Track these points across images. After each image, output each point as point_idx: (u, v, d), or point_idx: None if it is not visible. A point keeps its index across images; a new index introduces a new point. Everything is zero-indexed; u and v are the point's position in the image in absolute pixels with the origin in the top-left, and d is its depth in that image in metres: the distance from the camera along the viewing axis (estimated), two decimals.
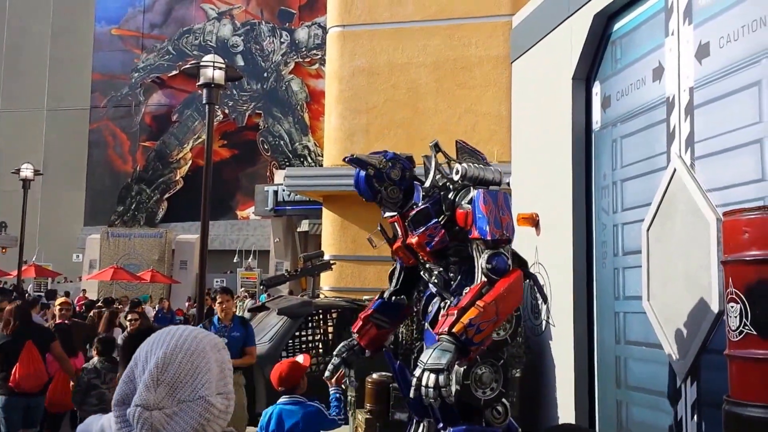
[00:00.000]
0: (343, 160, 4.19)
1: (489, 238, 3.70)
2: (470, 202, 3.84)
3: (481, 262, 3.73)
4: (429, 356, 3.46)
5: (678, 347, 4.01)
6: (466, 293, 3.72)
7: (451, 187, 3.99)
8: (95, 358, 6.38)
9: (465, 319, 3.49)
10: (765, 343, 2.78)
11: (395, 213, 4.12)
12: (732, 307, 2.95)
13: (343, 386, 4.55)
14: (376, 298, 4.52)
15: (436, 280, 4.08)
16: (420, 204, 4.01)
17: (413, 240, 3.94)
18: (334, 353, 4.53)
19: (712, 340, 3.72)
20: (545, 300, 4.46)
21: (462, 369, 3.80)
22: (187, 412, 1.35)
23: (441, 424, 4.02)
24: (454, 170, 3.96)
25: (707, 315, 3.76)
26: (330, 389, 4.55)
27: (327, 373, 4.53)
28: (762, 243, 2.89)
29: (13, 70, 39.60)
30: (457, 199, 3.92)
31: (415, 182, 4.12)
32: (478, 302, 3.56)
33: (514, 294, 3.71)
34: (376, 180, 4.04)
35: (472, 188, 3.87)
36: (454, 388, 3.51)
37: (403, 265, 4.40)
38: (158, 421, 1.33)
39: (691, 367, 3.90)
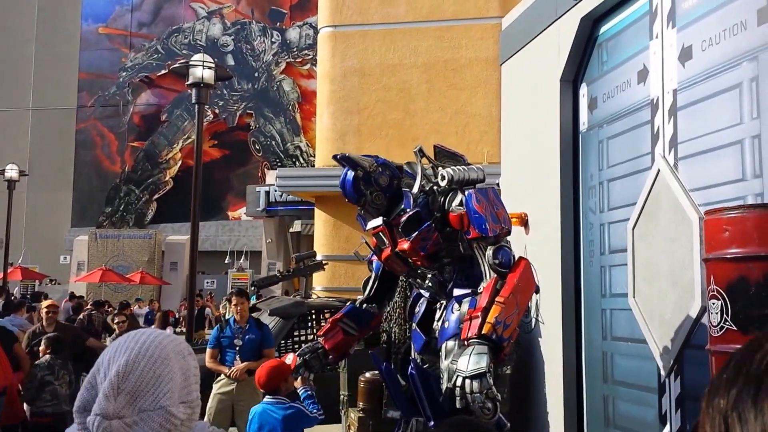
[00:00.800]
0: (333, 157, 4.18)
1: (491, 234, 3.78)
2: (460, 204, 3.91)
3: (487, 258, 3.80)
4: (467, 363, 3.49)
5: (662, 343, 4.10)
6: (481, 293, 3.77)
7: (437, 190, 4.05)
8: (47, 356, 6.49)
9: (491, 318, 3.55)
10: (745, 338, 2.82)
11: (380, 224, 4.10)
12: (713, 303, 3.02)
13: (311, 383, 4.57)
14: (348, 303, 4.55)
15: (430, 284, 4.12)
16: (410, 210, 4.02)
17: (405, 246, 3.95)
18: (297, 353, 4.53)
19: (695, 336, 3.80)
20: (537, 291, 4.54)
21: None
22: (147, 422, 1.32)
23: (431, 422, 4.10)
24: (440, 176, 4.02)
25: (690, 311, 3.84)
26: (299, 389, 4.61)
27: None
28: (742, 241, 2.95)
29: None
30: (446, 203, 3.99)
31: (405, 189, 4.14)
32: (497, 299, 3.62)
33: (528, 282, 3.80)
34: (363, 183, 4.03)
35: (459, 191, 3.94)
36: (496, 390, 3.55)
37: (378, 275, 4.44)
38: (117, 431, 1.31)
39: (675, 362, 3.99)
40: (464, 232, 3.88)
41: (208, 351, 6.78)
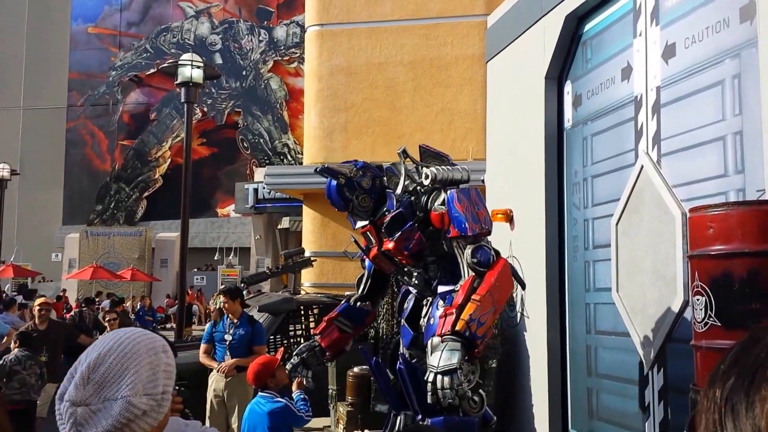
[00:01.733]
0: (315, 171, 4.24)
1: (470, 233, 3.83)
2: (443, 203, 3.96)
3: (465, 257, 3.84)
4: (439, 359, 3.55)
5: (645, 336, 4.15)
6: (458, 291, 3.82)
7: (421, 190, 4.10)
8: (16, 350, 7.04)
9: (465, 316, 3.59)
10: (728, 333, 2.87)
11: (367, 222, 4.18)
12: (697, 299, 3.05)
13: (306, 386, 4.66)
14: (342, 302, 4.61)
15: (416, 281, 4.17)
16: (393, 210, 4.08)
17: (390, 245, 4.01)
18: (295, 353, 4.61)
19: (677, 330, 3.86)
20: (523, 286, 4.58)
21: None
22: (108, 410, 1.42)
23: (420, 416, 4.15)
24: (424, 175, 4.06)
25: (673, 305, 3.89)
26: (293, 392, 4.68)
27: (286, 371, 4.65)
28: (726, 238, 2.99)
29: None
30: (429, 203, 4.03)
31: (387, 190, 4.19)
32: (473, 297, 3.66)
33: (506, 281, 3.84)
34: (348, 189, 4.10)
35: (442, 190, 3.98)
36: (466, 385, 3.60)
37: (371, 272, 4.49)
38: (82, 416, 1.42)
39: (658, 355, 4.05)
40: (445, 230, 3.93)
41: (202, 346, 6.82)
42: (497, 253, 4.13)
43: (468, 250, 3.85)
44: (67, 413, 1.42)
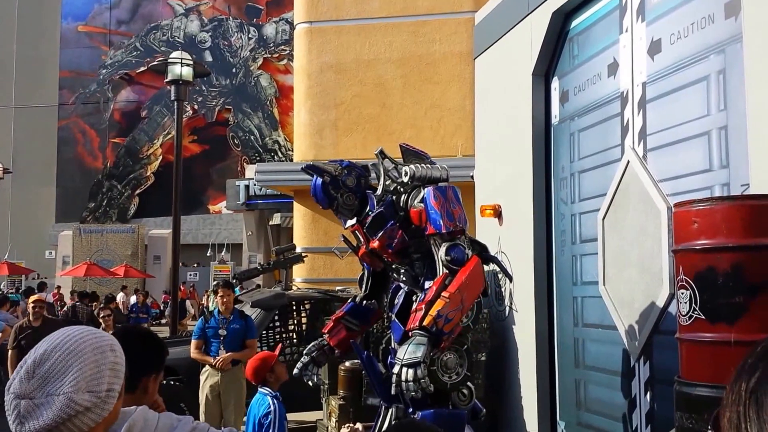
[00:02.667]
0: (301, 169, 4.32)
1: (444, 231, 3.89)
2: (422, 200, 4.01)
3: (440, 255, 3.91)
4: (405, 352, 3.63)
5: (632, 329, 4.20)
6: (430, 287, 3.89)
7: (401, 189, 4.15)
8: None
9: (433, 311, 3.66)
10: (713, 327, 2.91)
11: (354, 222, 4.26)
12: (682, 293, 3.07)
13: (310, 383, 4.76)
14: (349, 301, 4.69)
15: (404, 278, 4.24)
16: (374, 210, 4.16)
17: (375, 244, 4.10)
18: (305, 352, 4.73)
19: (663, 322, 3.90)
20: (510, 279, 4.63)
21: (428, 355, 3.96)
22: (50, 405, 1.45)
23: (410, 409, 4.19)
24: (403, 172, 4.12)
25: (659, 298, 3.93)
26: None
27: (296, 371, 4.70)
28: (710, 232, 3.01)
29: None
30: (409, 200, 4.09)
31: (368, 191, 4.27)
32: (443, 293, 3.73)
33: (476, 280, 3.89)
34: (332, 187, 4.19)
35: (421, 188, 4.04)
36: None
37: (371, 271, 4.56)
38: (24, 409, 1.45)
39: (644, 347, 4.09)
40: (423, 228, 3.99)
41: (193, 342, 6.84)
42: (483, 247, 4.18)
43: (443, 248, 3.91)
44: (12, 405, 1.46)
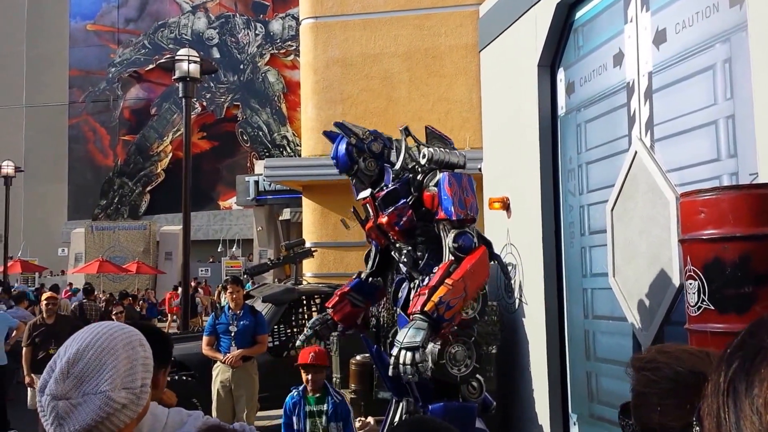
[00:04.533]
0: (334, 124, 4.29)
1: (454, 218, 3.88)
2: (436, 184, 4.01)
3: (448, 241, 3.91)
4: (405, 335, 3.65)
5: (642, 320, 4.19)
6: (435, 273, 3.90)
7: (419, 170, 4.14)
8: None
9: (435, 298, 3.68)
10: (722, 317, 2.90)
11: (367, 195, 4.25)
12: (690, 283, 3.07)
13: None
14: (354, 277, 4.68)
15: (405, 259, 4.25)
16: (390, 185, 4.15)
17: (383, 219, 4.09)
18: (308, 326, 4.72)
19: (674, 313, 3.90)
20: (508, 279, 4.62)
21: (436, 349, 3.98)
22: (88, 404, 1.45)
23: (420, 403, 4.21)
24: (422, 154, 4.12)
25: (669, 288, 3.93)
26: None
27: (298, 343, 4.71)
28: (718, 222, 3.00)
29: None
30: (424, 182, 4.09)
31: (386, 164, 4.25)
32: (446, 280, 3.74)
33: (481, 270, 3.88)
34: (357, 150, 4.15)
35: (438, 171, 4.03)
36: (429, 363, 3.69)
37: (379, 248, 4.56)
38: (63, 410, 1.44)
39: (655, 338, 4.08)
40: (434, 212, 4.00)
41: (205, 338, 6.87)
42: (488, 243, 4.17)
43: (451, 235, 3.91)
44: (49, 407, 1.45)
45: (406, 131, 4.22)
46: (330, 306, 4.67)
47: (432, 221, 4.07)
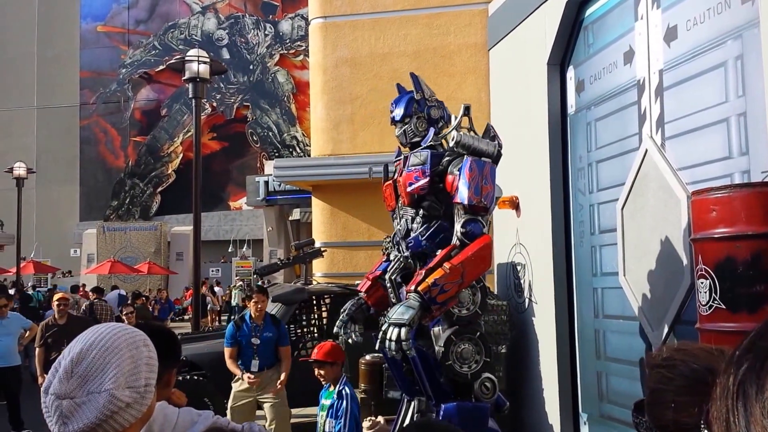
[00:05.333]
0: (410, 75, 4.41)
1: (467, 202, 3.88)
2: (459, 168, 4.02)
3: (456, 226, 3.90)
4: (395, 312, 3.70)
5: (653, 319, 4.17)
6: (437, 254, 3.90)
7: (454, 149, 4.13)
8: None
9: (430, 279, 3.70)
10: (734, 316, 2.89)
11: (401, 157, 4.32)
12: (702, 283, 3.06)
13: (350, 341, 4.77)
14: (383, 260, 4.69)
15: (400, 227, 4.27)
16: (425, 144, 4.22)
17: (401, 176, 4.19)
18: (342, 310, 4.75)
19: (685, 312, 3.87)
20: (518, 278, 4.58)
21: (441, 350, 3.97)
22: (92, 403, 1.46)
23: (433, 402, 4.20)
24: (450, 136, 4.12)
25: (680, 288, 3.90)
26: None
27: (335, 329, 4.73)
28: (729, 220, 2.99)
29: (0, 70, 39.41)
30: (450, 166, 4.08)
31: (432, 128, 4.29)
32: (445, 264, 3.75)
33: (482, 259, 3.87)
34: (417, 106, 4.26)
35: (465, 156, 4.02)
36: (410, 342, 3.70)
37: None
38: (67, 409, 1.45)
39: (666, 337, 4.06)
40: (451, 195, 4.01)
41: (227, 350, 6.56)
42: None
43: (461, 220, 3.91)
44: (53, 406, 1.46)
45: (466, 110, 4.23)
46: (363, 291, 4.70)
47: (441, 202, 4.08)
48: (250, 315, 6.62)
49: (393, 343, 3.62)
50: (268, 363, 6.52)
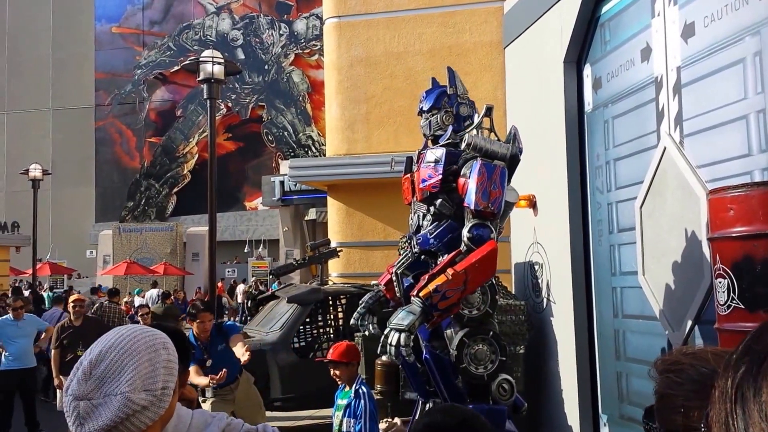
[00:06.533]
0: (447, 68, 4.44)
1: (473, 207, 3.85)
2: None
3: (464, 230, 3.88)
4: (397, 317, 3.72)
5: (673, 319, 4.13)
6: (442, 260, 3.89)
7: (467, 151, 4.10)
8: None
9: (432, 285, 3.70)
10: (752, 316, 2.86)
11: (423, 150, 4.30)
12: (720, 282, 3.03)
13: (366, 333, 4.79)
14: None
15: (411, 222, 4.27)
16: (442, 142, 4.21)
17: (418, 171, 4.18)
18: (360, 302, 4.76)
19: (705, 312, 3.83)
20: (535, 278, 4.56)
21: (454, 353, 3.95)
22: (108, 405, 1.47)
23: (448, 404, 4.18)
24: (463, 139, 4.09)
25: (701, 286, 3.86)
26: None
27: (353, 321, 4.75)
28: (747, 219, 2.96)
29: (16, 72, 39.77)
30: (464, 168, 4.06)
31: (453, 126, 4.26)
32: (448, 270, 3.73)
33: (486, 266, 3.84)
34: (446, 100, 4.25)
35: (477, 159, 3.99)
36: (410, 350, 3.71)
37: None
38: (84, 410, 1.47)
39: (687, 337, 4.02)
40: (461, 198, 3.99)
41: (191, 369, 5.15)
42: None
43: (469, 224, 3.88)
44: (71, 406, 1.48)
45: (488, 111, 4.21)
46: (383, 283, 4.70)
47: (453, 201, 4.07)
48: (194, 335, 5.76)
49: (393, 348, 3.65)
50: (232, 373, 5.72)
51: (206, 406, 5.65)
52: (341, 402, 4.75)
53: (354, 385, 4.73)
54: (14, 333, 8.56)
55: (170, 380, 1.59)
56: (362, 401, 4.61)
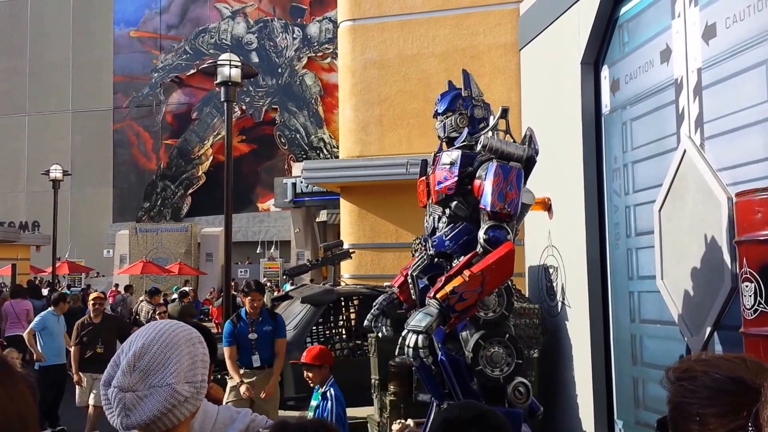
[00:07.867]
0: (462, 70, 4.40)
1: (489, 209, 3.81)
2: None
3: (480, 232, 3.84)
4: (414, 318, 3.70)
5: (692, 324, 4.07)
6: (458, 262, 3.86)
7: (483, 153, 4.06)
8: None
9: (449, 287, 3.66)
10: None
11: (438, 152, 4.26)
12: (746, 286, 2.99)
13: (380, 335, 4.78)
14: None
15: (427, 224, 4.23)
16: (457, 144, 4.17)
17: (433, 173, 4.16)
18: (374, 304, 4.73)
19: (725, 317, 3.77)
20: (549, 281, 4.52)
21: (470, 356, 3.91)
22: (155, 396, 1.51)
23: None
24: (479, 141, 4.05)
25: (720, 292, 3.80)
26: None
27: (366, 323, 4.74)
28: None
29: (36, 75, 40.28)
30: (479, 170, 4.02)
31: (468, 129, 4.24)
32: (465, 271, 3.69)
33: (504, 267, 3.79)
34: (461, 103, 4.23)
35: (493, 161, 3.95)
36: (428, 351, 3.71)
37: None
38: (130, 402, 1.50)
39: (706, 343, 3.95)
40: (477, 200, 3.96)
41: (226, 350, 6.27)
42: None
43: (485, 226, 3.84)
44: (116, 399, 1.51)
45: (503, 113, 4.17)
46: (395, 285, 4.68)
47: (468, 203, 4.03)
48: (246, 311, 6.44)
49: (411, 350, 3.63)
50: (268, 357, 6.33)
51: (231, 382, 6.29)
52: (313, 403, 4.87)
53: (324, 387, 4.82)
54: (56, 329, 8.79)
55: (206, 373, 1.64)
56: (329, 403, 4.82)
